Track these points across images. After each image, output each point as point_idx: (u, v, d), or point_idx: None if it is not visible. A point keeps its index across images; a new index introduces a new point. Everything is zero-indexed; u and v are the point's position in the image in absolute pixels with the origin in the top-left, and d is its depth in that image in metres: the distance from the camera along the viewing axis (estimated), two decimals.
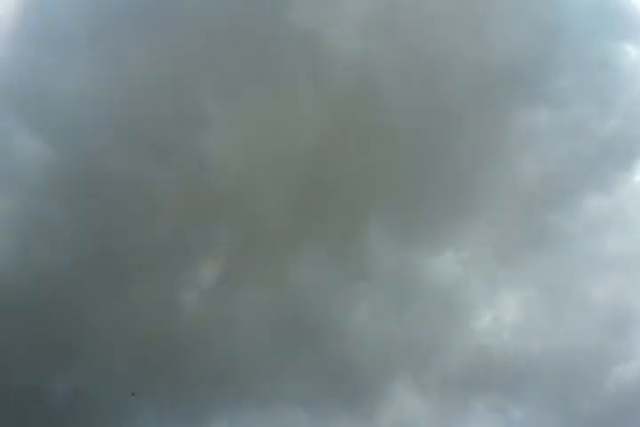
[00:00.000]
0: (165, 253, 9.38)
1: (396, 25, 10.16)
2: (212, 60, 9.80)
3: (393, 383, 10.25)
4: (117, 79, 9.30)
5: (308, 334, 10.16)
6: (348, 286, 10.38)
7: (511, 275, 10.59)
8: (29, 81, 9.22)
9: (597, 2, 10.77)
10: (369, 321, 10.35)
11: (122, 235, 9.05)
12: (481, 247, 10.63)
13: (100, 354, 9.05)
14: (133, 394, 8.97)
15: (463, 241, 10.62)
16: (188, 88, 9.63)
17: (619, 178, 11.08)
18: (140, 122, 9.15)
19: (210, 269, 10.05)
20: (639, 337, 10.78)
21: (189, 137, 9.67)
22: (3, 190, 8.79)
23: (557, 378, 10.05)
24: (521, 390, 10.15)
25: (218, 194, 9.66)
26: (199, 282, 10.11)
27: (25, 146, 9.09)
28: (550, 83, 10.47)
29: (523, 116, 10.61)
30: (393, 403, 10.21)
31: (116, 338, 9.10)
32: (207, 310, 10.15)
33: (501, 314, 10.58)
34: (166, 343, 9.38)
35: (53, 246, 8.72)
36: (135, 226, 9.16)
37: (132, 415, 9.18)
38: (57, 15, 9.54)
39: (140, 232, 9.18)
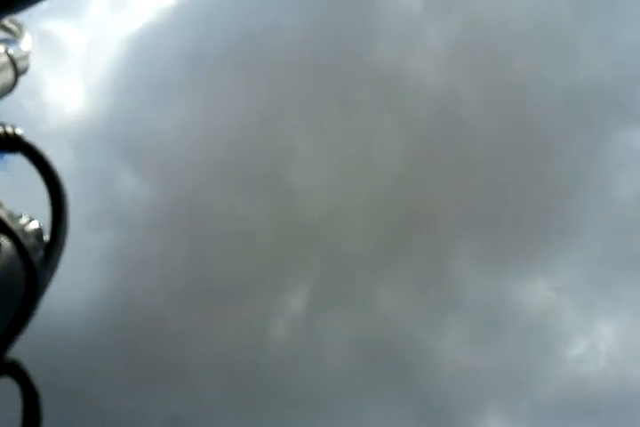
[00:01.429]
0: (256, 284, 9.47)
1: (478, 53, 10.06)
2: (301, 97, 9.94)
3: (483, 415, 9.98)
4: (213, 119, 9.59)
5: (395, 363, 10.01)
6: (436, 314, 10.21)
7: (606, 301, 10.25)
8: (130, 124, 9.66)
9: None
10: (458, 349, 10.13)
11: (215, 267, 9.25)
12: (574, 273, 10.32)
13: (195, 382, 9.25)
14: None
15: (556, 267, 10.33)
16: (278, 124, 9.78)
17: None
18: (233, 159, 9.35)
19: (298, 298, 10.07)
20: None
21: (279, 171, 9.78)
22: (107, 228, 9.07)
23: None
24: (619, 421, 9.75)
25: (305, 225, 9.71)
26: (288, 311, 10.13)
27: (126, 185, 9.44)
28: None
29: (617, 137, 10.33)
30: None
31: (210, 366, 9.30)
32: (294, 339, 10.15)
33: (597, 341, 10.22)
34: (256, 372, 9.48)
35: (151, 280, 9.00)
36: (228, 258, 9.30)
37: None
38: (155, 59, 9.94)
39: (233, 263, 9.32)
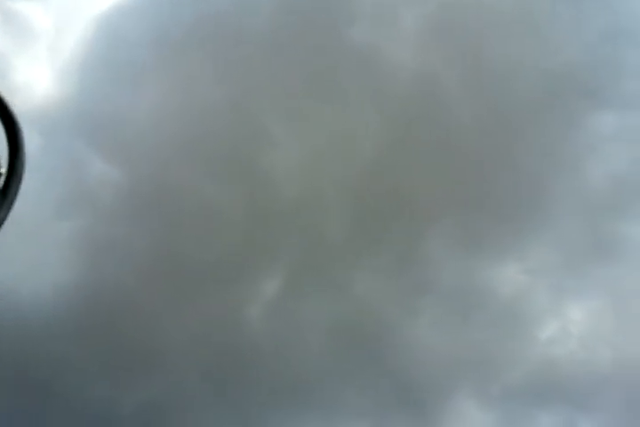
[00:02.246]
0: (231, 268, 9.42)
1: (454, 35, 10.04)
2: (274, 78, 9.83)
3: (456, 396, 10.10)
4: (183, 101, 9.49)
5: (371, 346, 10.07)
6: (410, 297, 10.27)
7: (578, 284, 10.39)
8: (98, 106, 9.50)
9: None
10: (432, 333, 10.21)
11: (188, 251, 9.17)
12: (546, 256, 10.43)
13: (170, 367, 9.21)
14: None
15: (528, 251, 10.44)
16: (252, 106, 9.66)
17: None
18: (205, 141, 9.24)
19: (273, 282, 10.03)
20: None
21: (253, 154, 9.69)
22: (74, 211, 8.90)
23: (627, 389, 9.82)
24: (590, 403, 9.92)
25: (281, 209, 9.64)
26: (263, 295, 10.10)
27: (94, 169, 9.31)
28: (615, 86, 10.25)
29: (589, 121, 10.41)
30: (456, 416, 10.06)
31: (185, 351, 9.26)
32: (271, 323, 10.15)
33: (568, 324, 10.38)
34: (233, 356, 9.47)
35: (123, 263, 8.95)
36: (201, 242, 9.21)
37: None
38: (123, 40, 9.77)
39: (206, 248, 9.24)
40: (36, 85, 10.55)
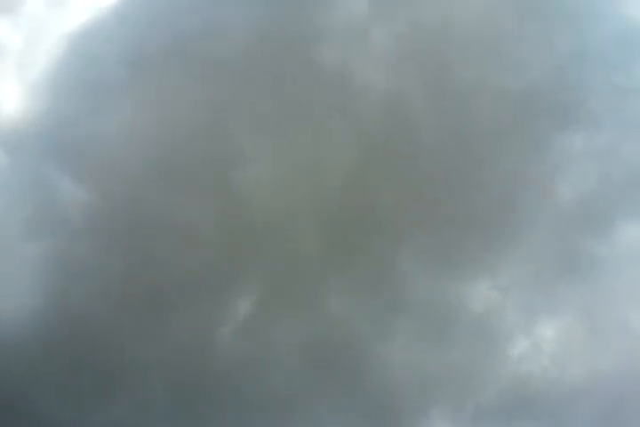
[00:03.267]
0: (202, 289, 9.38)
1: (422, 55, 10.21)
2: (245, 100, 9.90)
3: (429, 415, 10.09)
4: (155, 120, 9.48)
5: (344, 365, 10.06)
6: (383, 316, 10.28)
7: (548, 300, 10.47)
8: (68, 126, 9.48)
9: (623, 29, 10.78)
10: (405, 351, 10.22)
11: (158, 272, 9.09)
12: (517, 273, 10.51)
13: (140, 388, 9.14)
14: None
15: (499, 267, 10.51)
16: (225, 125, 9.70)
17: None
18: (176, 160, 9.23)
19: (245, 302, 10.00)
20: None
21: (227, 172, 9.70)
22: (42, 232, 8.83)
23: (600, 404, 9.89)
24: (563, 419, 9.98)
25: (254, 226, 9.65)
26: (234, 316, 10.07)
27: (64, 190, 9.25)
28: (581, 107, 10.44)
29: (556, 140, 10.58)
30: None
31: (155, 372, 9.18)
32: (243, 343, 10.11)
33: (539, 341, 10.44)
34: (204, 376, 9.40)
35: (92, 285, 8.88)
36: (172, 263, 9.16)
37: None
38: (95, 59, 9.78)
39: (177, 269, 9.19)
40: (4, 103, 10.47)
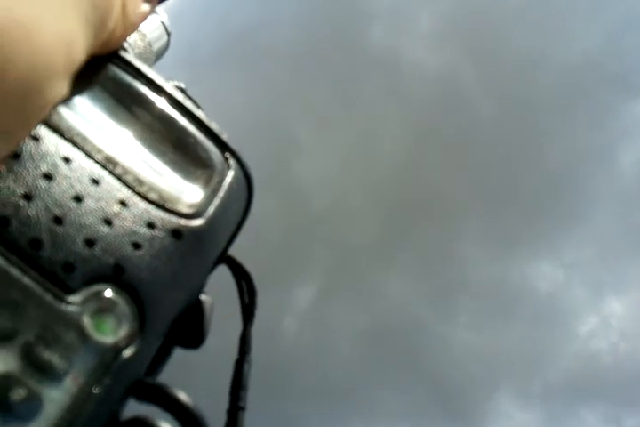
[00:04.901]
0: (262, 278, 9.58)
1: (469, 33, 10.02)
2: (297, 89, 10.02)
3: (496, 395, 10.06)
4: (211, 117, 9.60)
5: (407, 348, 10.17)
6: (444, 298, 10.29)
7: (615, 275, 10.19)
8: None
9: None
10: (468, 333, 10.21)
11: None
12: (582, 250, 10.24)
13: (204, 380, 9.46)
14: None
15: (563, 245, 10.25)
16: (279, 118, 9.87)
17: None
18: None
19: (306, 291, 10.23)
20: None
21: (283, 164, 9.88)
22: None
23: None
24: (635, 398, 9.77)
25: (311, 217, 9.81)
26: (296, 304, 10.31)
27: None
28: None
29: (617, 111, 10.18)
30: (497, 415, 10.00)
31: (220, 365, 9.48)
32: (305, 331, 10.35)
33: (609, 317, 10.19)
34: (268, 366, 9.70)
35: None
36: (233, 253, 9.39)
37: None
38: None
39: (239, 259, 9.41)
40: None
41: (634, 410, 9.72)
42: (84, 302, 0.39)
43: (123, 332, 0.41)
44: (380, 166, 10.81)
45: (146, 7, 0.56)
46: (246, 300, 0.82)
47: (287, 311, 10.38)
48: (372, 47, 10.99)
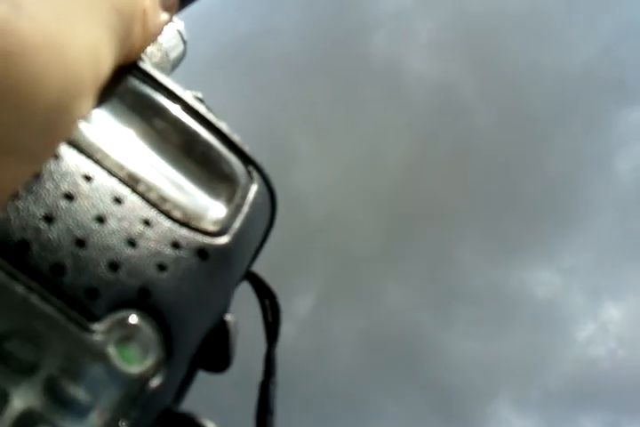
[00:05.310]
0: None
1: (470, 44, 10.11)
2: (297, 97, 10.09)
3: (495, 401, 10.06)
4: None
5: (406, 355, 10.21)
6: (443, 305, 10.33)
7: (613, 281, 10.22)
8: None
9: None
10: (467, 339, 10.24)
11: None
12: (580, 256, 10.26)
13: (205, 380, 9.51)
14: None
15: (561, 251, 10.28)
16: (278, 126, 9.94)
17: None
18: None
19: (305, 298, 10.27)
20: None
21: (282, 171, 9.94)
22: None
23: None
24: (633, 403, 9.77)
25: (310, 225, 9.86)
26: (295, 312, 10.36)
27: None
28: (638, 82, 10.07)
29: (614, 118, 10.24)
30: (495, 422, 9.98)
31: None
32: (303, 339, 10.38)
33: (606, 323, 10.21)
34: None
35: None
36: None
37: None
38: None
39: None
40: None
41: (633, 417, 9.72)
42: (108, 331, 0.37)
43: (149, 360, 0.40)
44: (379, 174, 10.85)
45: (165, 16, 0.54)
46: (270, 318, 0.85)
47: (286, 318, 10.39)
48: (373, 57, 11.08)
